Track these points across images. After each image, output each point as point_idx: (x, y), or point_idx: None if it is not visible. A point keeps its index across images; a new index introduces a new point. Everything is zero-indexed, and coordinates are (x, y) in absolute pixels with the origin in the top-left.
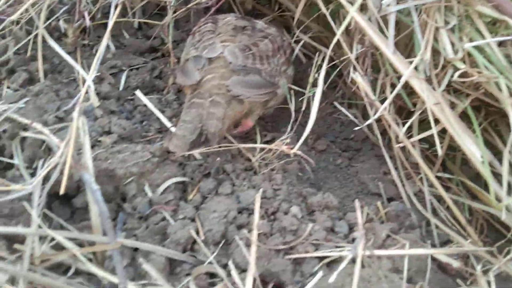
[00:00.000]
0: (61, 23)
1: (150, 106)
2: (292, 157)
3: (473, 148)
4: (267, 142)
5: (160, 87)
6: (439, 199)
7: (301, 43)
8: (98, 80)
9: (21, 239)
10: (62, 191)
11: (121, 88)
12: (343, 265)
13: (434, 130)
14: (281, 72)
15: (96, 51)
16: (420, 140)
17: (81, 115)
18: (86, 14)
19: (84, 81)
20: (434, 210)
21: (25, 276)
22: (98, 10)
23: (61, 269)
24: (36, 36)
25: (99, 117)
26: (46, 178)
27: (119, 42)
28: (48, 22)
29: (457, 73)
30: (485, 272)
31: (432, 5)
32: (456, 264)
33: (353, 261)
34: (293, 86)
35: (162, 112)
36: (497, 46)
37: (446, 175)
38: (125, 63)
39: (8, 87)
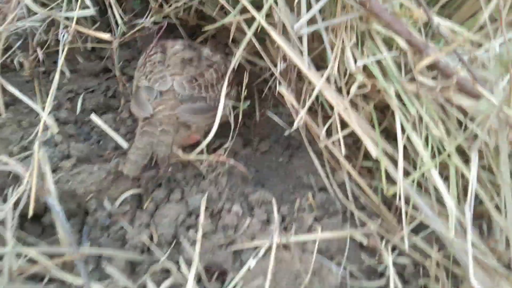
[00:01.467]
0: (17, 57)
1: (106, 128)
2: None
3: (369, 145)
4: (215, 149)
5: (115, 106)
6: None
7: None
8: (57, 107)
9: None
10: (30, 213)
11: (77, 111)
12: (262, 251)
13: (339, 133)
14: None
15: (52, 78)
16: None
17: (41, 147)
18: (38, 49)
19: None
20: (356, 197)
21: (6, 287)
22: (51, 39)
23: (37, 278)
24: None
25: (58, 143)
26: (16, 203)
27: (73, 66)
28: (5, 57)
29: (355, 84)
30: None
31: (339, 25)
32: (365, 241)
33: (284, 247)
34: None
35: (117, 130)
36: (391, 58)
37: (367, 166)
38: (80, 86)
39: None
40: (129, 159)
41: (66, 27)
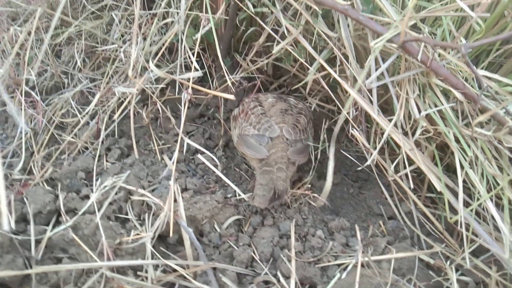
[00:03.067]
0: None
1: (211, 166)
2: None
3: (434, 179)
4: (294, 182)
5: (211, 146)
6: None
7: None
8: (167, 148)
9: (140, 268)
10: (171, 234)
11: (184, 152)
12: (349, 267)
13: (407, 169)
14: (310, 133)
15: (160, 123)
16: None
17: (175, 183)
18: (158, 102)
19: (161, 154)
20: (422, 224)
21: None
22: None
23: (167, 285)
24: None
25: (176, 178)
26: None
27: (176, 113)
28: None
29: (419, 129)
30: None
31: (403, 79)
32: (432, 261)
33: (362, 265)
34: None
35: (216, 166)
36: (449, 108)
37: (429, 195)
38: (183, 131)
39: (107, 161)
40: (258, 194)
41: (182, 85)
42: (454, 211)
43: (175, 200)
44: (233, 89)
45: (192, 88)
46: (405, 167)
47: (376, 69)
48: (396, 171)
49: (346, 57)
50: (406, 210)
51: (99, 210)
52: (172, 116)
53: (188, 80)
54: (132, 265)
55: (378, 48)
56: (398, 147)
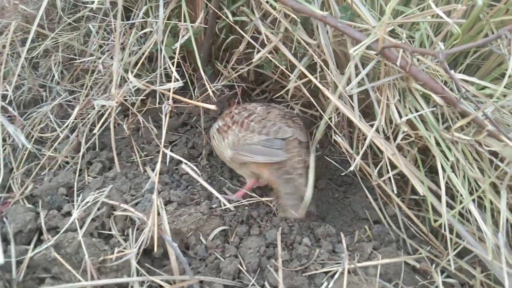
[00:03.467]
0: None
1: (197, 177)
2: None
3: (416, 183)
4: None
5: (195, 155)
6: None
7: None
8: (150, 160)
9: (125, 285)
10: (155, 249)
11: (167, 163)
12: (337, 275)
13: (390, 173)
14: None
15: (141, 134)
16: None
17: (157, 197)
18: (137, 114)
19: (143, 166)
20: (407, 227)
21: None
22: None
23: None
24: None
25: (160, 190)
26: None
27: (157, 123)
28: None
29: (400, 133)
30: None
31: (383, 84)
32: (418, 265)
33: (349, 272)
34: None
35: (200, 176)
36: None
37: (414, 197)
38: (166, 141)
39: (88, 175)
40: (289, 204)
41: (163, 95)
42: (438, 213)
43: (159, 214)
44: (215, 98)
45: (173, 98)
46: (388, 172)
47: (356, 75)
48: (380, 174)
49: (326, 64)
50: (391, 214)
51: (81, 227)
52: (154, 126)
53: (169, 90)
54: (118, 282)
55: (357, 55)
56: (381, 151)
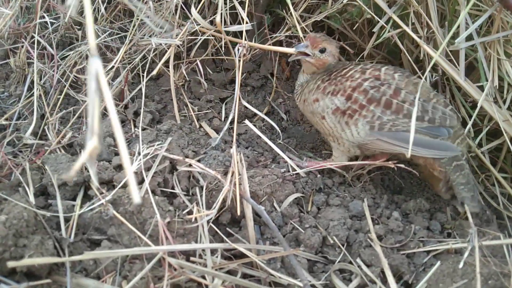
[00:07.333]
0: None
1: (263, 136)
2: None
3: None
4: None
5: (249, 115)
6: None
7: None
8: (204, 114)
9: (192, 253)
10: (238, 213)
11: (222, 119)
12: (466, 254)
13: (507, 138)
14: None
15: (190, 87)
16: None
17: (238, 153)
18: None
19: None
20: (504, 205)
21: (214, 274)
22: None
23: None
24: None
25: (224, 149)
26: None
27: (207, 78)
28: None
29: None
30: None
31: (494, 40)
32: None
33: (455, 252)
34: None
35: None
36: None
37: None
38: (216, 97)
39: (135, 127)
40: (466, 197)
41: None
42: None
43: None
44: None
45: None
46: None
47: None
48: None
49: (418, 16)
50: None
51: (142, 182)
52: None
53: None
54: (192, 249)
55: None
56: (481, 119)
